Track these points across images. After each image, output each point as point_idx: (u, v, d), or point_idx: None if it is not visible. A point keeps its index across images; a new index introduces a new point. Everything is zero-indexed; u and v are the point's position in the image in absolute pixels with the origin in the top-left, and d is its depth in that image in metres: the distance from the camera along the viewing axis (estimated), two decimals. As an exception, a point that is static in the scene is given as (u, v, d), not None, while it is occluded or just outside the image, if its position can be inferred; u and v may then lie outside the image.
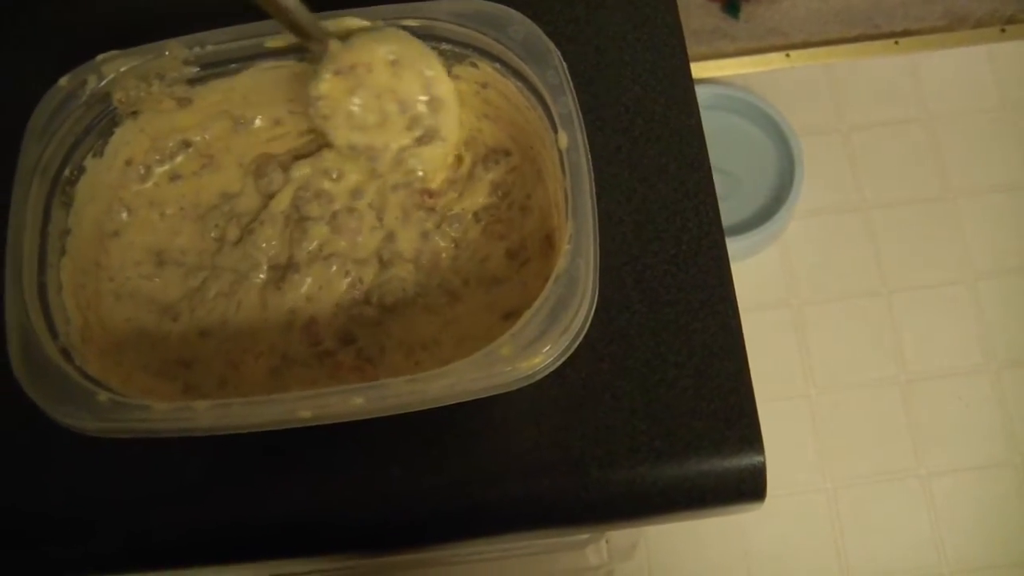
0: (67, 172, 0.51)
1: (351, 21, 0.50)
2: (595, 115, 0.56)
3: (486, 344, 0.44)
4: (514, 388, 0.44)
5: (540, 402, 0.52)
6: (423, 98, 0.52)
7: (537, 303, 0.44)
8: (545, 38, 0.49)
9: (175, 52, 0.51)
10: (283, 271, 0.53)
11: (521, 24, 0.50)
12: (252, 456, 0.51)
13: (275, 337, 0.52)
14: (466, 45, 0.51)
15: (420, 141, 0.53)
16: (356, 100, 0.52)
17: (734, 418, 0.51)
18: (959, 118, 1.53)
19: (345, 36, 0.51)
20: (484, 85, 0.53)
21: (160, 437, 0.45)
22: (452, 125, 0.53)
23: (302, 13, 0.48)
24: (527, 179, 0.54)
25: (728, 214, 1.40)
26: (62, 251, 0.50)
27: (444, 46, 0.51)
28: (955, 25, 1.58)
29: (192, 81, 0.53)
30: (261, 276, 0.54)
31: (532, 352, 0.43)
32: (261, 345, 0.52)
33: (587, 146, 0.47)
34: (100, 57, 0.51)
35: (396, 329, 0.52)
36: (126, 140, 0.54)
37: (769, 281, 1.43)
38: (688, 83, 0.57)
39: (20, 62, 0.59)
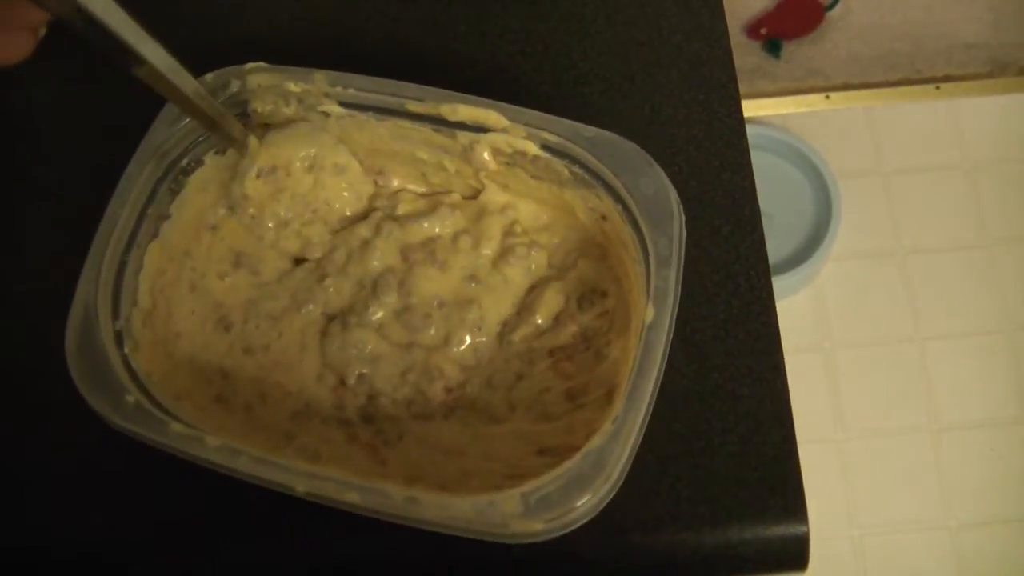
0: (185, 161, 0.52)
1: (491, 116, 0.50)
2: (647, 174, 0.56)
3: (510, 470, 0.43)
4: (508, 542, 0.42)
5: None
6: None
7: (557, 471, 0.41)
8: (672, 200, 0.46)
9: (319, 83, 0.51)
10: (331, 321, 0.52)
11: (654, 177, 0.47)
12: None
13: (305, 383, 0.51)
14: (595, 175, 0.49)
15: None
16: (282, 206, 0.54)
17: (779, 487, 0.51)
18: (999, 166, 1.51)
19: (263, 133, 0.53)
20: (604, 217, 0.51)
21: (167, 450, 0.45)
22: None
23: (208, 105, 0.48)
24: (614, 326, 0.51)
25: (763, 255, 1.39)
26: (154, 234, 0.51)
27: (575, 167, 0.49)
28: (997, 72, 1.56)
29: (326, 114, 0.53)
30: (312, 317, 0.53)
31: (535, 518, 0.41)
32: (291, 385, 0.51)
33: (672, 327, 0.44)
34: (249, 65, 0.52)
35: (419, 427, 0.50)
36: (251, 147, 0.53)
37: (802, 323, 1.41)
38: (743, 145, 0.57)
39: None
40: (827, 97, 1.54)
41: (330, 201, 0.55)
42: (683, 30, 0.59)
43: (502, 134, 0.50)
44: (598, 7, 0.60)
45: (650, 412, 0.43)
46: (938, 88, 1.55)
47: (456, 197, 0.55)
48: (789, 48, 1.56)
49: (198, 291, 0.53)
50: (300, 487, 0.43)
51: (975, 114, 1.53)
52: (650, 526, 0.50)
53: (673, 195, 0.47)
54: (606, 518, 0.49)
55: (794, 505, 0.50)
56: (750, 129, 1.42)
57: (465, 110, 0.50)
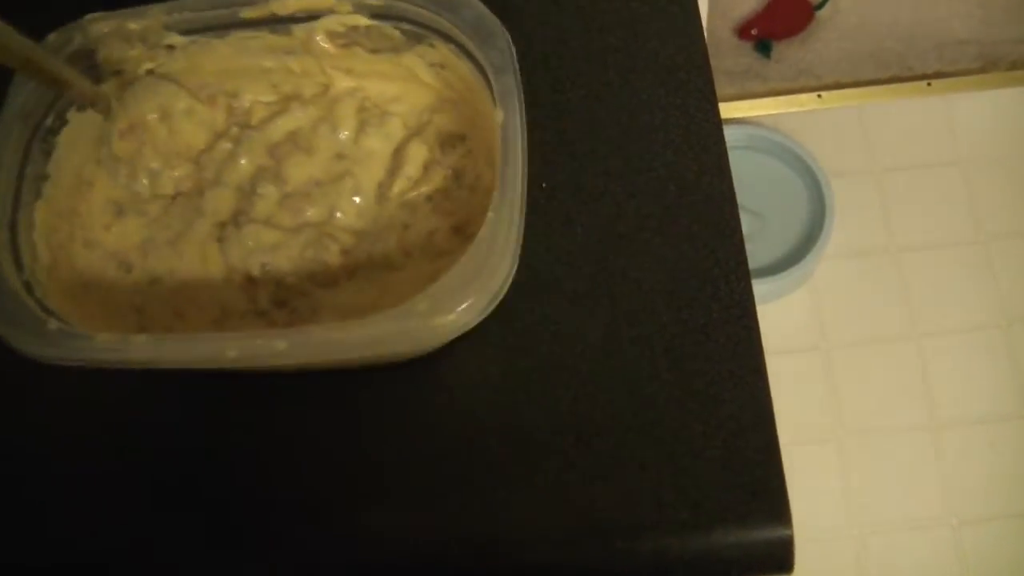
0: (49, 121, 0.53)
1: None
2: (626, 180, 0.56)
3: None
4: (433, 344, 0.45)
5: (566, 471, 0.51)
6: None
7: (458, 265, 0.44)
8: (493, 19, 0.49)
9: (156, 16, 0.53)
10: (225, 227, 0.54)
11: (472, 6, 0.50)
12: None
13: (216, 291, 0.53)
14: (425, 26, 0.52)
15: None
16: (148, 159, 0.55)
17: (761, 491, 0.50)
18: (992, 161, 1.50)
19: (120, 91, 0.55)
20: (442, 66, 0.53)
21: (100, 366, 0.46)
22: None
23: (53, 66, 0.50)
24: (478, 161, 0.54)
25: (757, 256, 1.39)
26: (38, 194, 0.52)
27: (404, 26, 0.52)
28: (989, 67, 1.56)
29: (171, 47, 0.54)
30: (205, 230, 0.54)
31: (447, 309, 0.43)
32: (203, 297, 0.53)
33: (523, 124, 0.47)
34: (87, 17, 0.53)
35: (329, 296, 0.52)
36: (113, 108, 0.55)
37: (797, 324, 1.41)
38: (722, 148, 0.57)
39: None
40: (819, 96, 1.54)
41: (190, 142, 0.56)
42: (658, 35, 0.59)
43: (332, 16, 0.52)
44: (573, 13, 0.60)
45: (524, 201, 0.45)
46: (929, 85, 1.54)
47: (306, 95, 0.57)
48: (779, 48, 1.56)
49: (91, 245, 0.55)
50: (231, 352, 0.44)
51: (967, 110, 1.53)
52: (633, 532, 0.50)
53: (491, 15, 0.50)
54: (589, 523, 0.50)
55: (778, 508, 0.50)
56: (743, 130, 1.42)
57: (292, 0, 0.52)
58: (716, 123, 0.57)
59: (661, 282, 0.54)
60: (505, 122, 0.47)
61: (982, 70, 1.56)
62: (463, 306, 0.43)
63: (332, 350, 0.45)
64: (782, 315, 1.40)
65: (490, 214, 0.45)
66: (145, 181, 0.55)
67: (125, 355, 0.45)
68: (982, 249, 1.45)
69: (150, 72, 0.55)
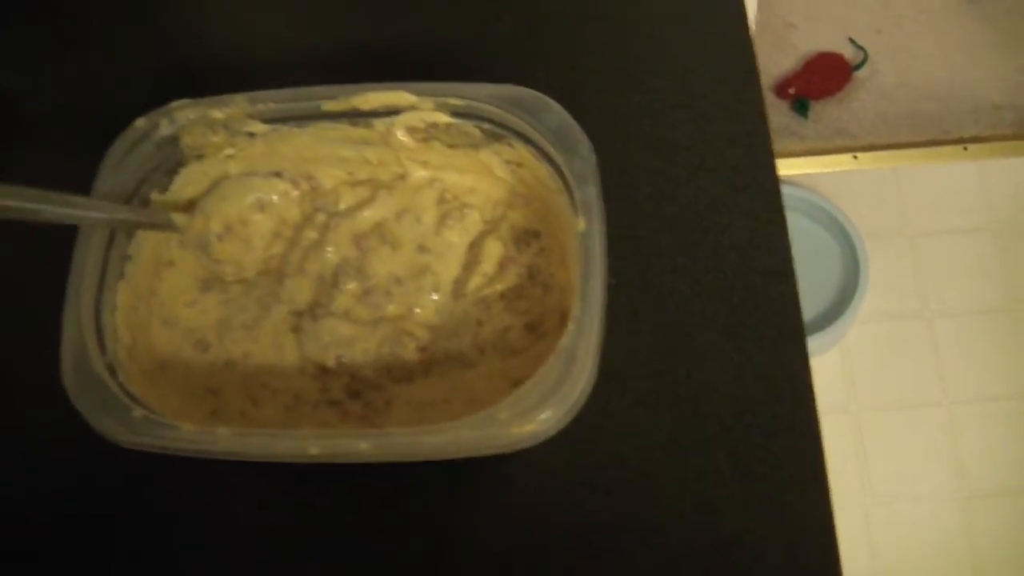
0: (133, 203, 0.54)
1: (399, 96, 0.53)
2: (693, 280, 0.56)
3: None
4: (510, 450, 0.45)
5: (627, 569, 0.52)
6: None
7: (538, 374, 0.45)
8: (576, 128, 0.50)
9: (240, 105, 0.54)
10: (302, 317, 0.54)
11: (556, 113, 0.51)
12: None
13: (290, 378, 0.54)
14: (505, 127, 0.52)
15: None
16: (252, 249, 0.57)
17: (824, 599, 0.51)
18: (1026, 228, 1.52)
19: (185, 207, 0.56)
20: (519, 165, 0.54)
21: (184, 455, 0.46)
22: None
23: (127, 217, 0.52)
24: (552, 260, 0.55)
25: (790, 316, 1.39)
26: (121, 275, 0.53)
27: (485, 125, 0.53)
28: (1024, 133, 1.57)
29: (251, 134, 0.56)
30: (281, 317, 0.55)
31: (528, 419, 0.44)
32: (277, 383, 0.53)
33: (603, 233, 0.47)
34: (174, 104, 0.54)
35: (403, 390, 0.53)
36: (189, 180, 0.57)
37: (828, 386, 1.41)
38: (787, 252, 0.57)
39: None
40: (855, 157, 1.54)
41: (277, 229, 0.58)
42: (726, 135, 0.60)
43: (413, 112, 0.53)
44: (641, 109, 0.61)
45: (604, 309, 0.46)
46: (965, 149, 1.55)
47: (387, 182, 0.58)
48: (817, 108, 1.57)
49: (168, 324, 0.55)
50: (314, 449, 0.45)
51: (1002, 175, 1.54)
52: (694, 637, 0.51)
53: (575, 124, 0.50)
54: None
55: (839, 619, 0.51)
56: (778, 190, 1.42)
57: (374, 96, 0.53)
58: (782, 226, 0.57)
59: (725, 384, 0.55)
60: (587, 232, 0.47)
61: (1017, 136, 1.56)
62: (543, 416, 0.44)
63: (413, 453, 0.46)
64: (813, 376, 1.40)
65: (571, 326, 0.45)
66: (230, 268, 0.56)
67: (211, 447, 0.46)
68: (1013, 316, 1.45)
69: (230, 157, 0.56)
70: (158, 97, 0.55)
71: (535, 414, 0.44)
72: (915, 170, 1.54)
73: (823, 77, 1.58)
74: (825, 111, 1.56)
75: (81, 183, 0.52)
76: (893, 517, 1.34)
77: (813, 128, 1.56)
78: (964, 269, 1.48)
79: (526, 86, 0.52)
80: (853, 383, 1.41)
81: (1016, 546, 1.32)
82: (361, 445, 0.45)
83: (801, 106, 1.56)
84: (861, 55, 1.60)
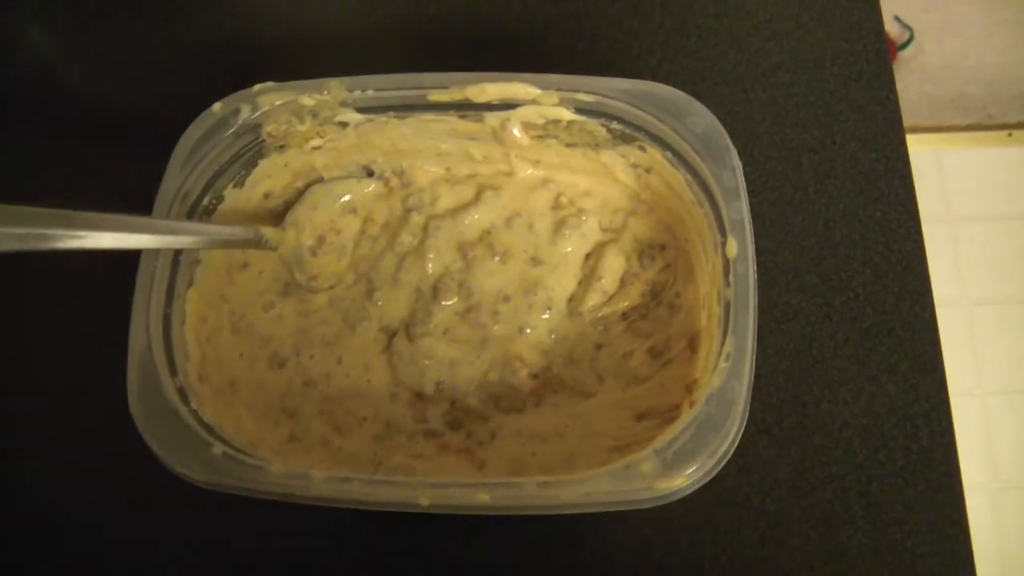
0: (206, 200, 0.48)
1: (521, 88, 0.46)
2: (822, 299, 0.51)
3: (614, 442, 0.41)
4: (648, 506, 0.39)
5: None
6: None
7: (686, 420, 0.39)
8: (725, 135, 0.44)
9: (334, 92, 0.48)
10: (395, 336, 0.49)
11: (702, 116, 0.44)
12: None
13: (379, 404, 0.48)
14: (637, 127, 0.46)
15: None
16: (344, 256, 0.51)
17: (961, 661, 0.46)
18: (1069, 217, 1.46)
19: (274, 219, 0.50)
20: (648, 170, 0.48)
21: (268, 499, 0.41)
22: None
23: (228, 240, 0.47)
24: (679, 276, 0.49)
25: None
26: (190, 282, 0.47)
27: (614, 125, 0.47)
28: (1070, 121, 1.52)
29: (343, 124, 0.49)
30: (371, 336, 0.49)
31: (674, 473, 0.38)
32: (365, 409, 0.48)
33: (755, 257, 0.42)
34: (257, 87, 0.48)
35: (511, 420, 0.47)
36: (268, 173, 0.51)
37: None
38: (924, 271, 0.52)
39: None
40: (896, 139, 1.48)
41: (367, 230, 0.52)
42: (858, 137, 0.54)
43: (533, 106, 0.47)
44: (766, 104, 0.55)
45: (756, 345, 0.40)
46: (1010, 135, 1.49)
47: (492, 181, 0.51)
48: (860, 86, 1.51)
49: (241, 332, 0.50)
50: (424, 500, 0.39)
51: (1046, 163, 1.48)
52: None
53: (723, 131, 0.44)
54: None
55: None
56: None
57: (493, 88, 0.47)
58: (919, 242, 0.52)
59: (856, 416, 0.49)
60: (739, 255, 0.41)
61: (1064, 123, 1.51)
62: (691, 470, 0.38)
63: (541, 508, 0.40)
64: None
65: (723, 364, 0.40)
66: (324, 282, 0.50)
67: (303, 492, 0.40)
68: (1052, 306, 1.40)
69: (316, 149, 0.50)
70: (226, 73, 0.48)
71: (682, 467, 0.38)
72: (958, 154, 1.49)
73: (867, 55, 1.52)
74: (868, 90, 1.50)
75: (148, 177, 0.46)
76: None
77: (855, 107, 1.50)
78: (1004, 257, 1.43)
79: (638, 78, 0.46)
80: (888, 372, 1.37)
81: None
82: (481, 496, 0.39)
83: (844, 84, 1.50)
84: (907, 34, 1.53)
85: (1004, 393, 1.36)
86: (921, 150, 1.48)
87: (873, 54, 0.55)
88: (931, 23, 1.53)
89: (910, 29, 1.53)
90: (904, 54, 1.53)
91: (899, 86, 1.48)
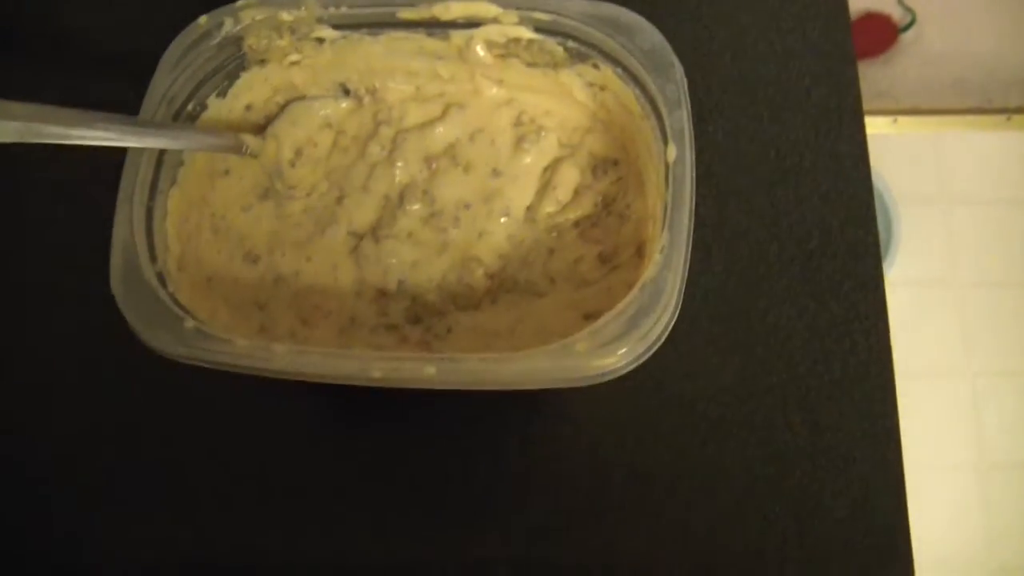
0: (190, 107, 0.52)
1: (482, 7, 0.50)
2: (770, 221, 0.54)
3: (561, 339, 0.43)
4: (583, 384, 0.43)
5: (689, 514, 0.51)
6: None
7: (620, 306, 0.42)
8: (670, 51, 0.47)
9: (311, 8, 0.51)
10: (361, 239, 0.52)
11: (650, 34, 0.48)
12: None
13: (344, 300, 0.52)
14: (591, 45, 0.50)
15: None
16: (320, 169, 0.55)
17: (888, 559, 0.49)
18: (1065, 203, 1.49)
19: (255, 131, 0.54)
20: (602, 88, 0.51)
21: (236, 372, 0.44)
22: None
23: (212, 144, 0.51)
24: (630, 190, 0.52)
25: (820, 277, 1.37)
26: (173, 181, 0.51)
27: (569, 43, 0.50)
28: (1069, 107, 1.54)
29: (319, 40, 0.53)
30: (339, 238, 0.53)
31: (607, 352, 0.42)
32: (331, 304, 0.51)
33: (694, 162, 0.45)
34: (240, 2, 0.52)
35: (466, 317, 0.50)
36: (249, 86, 0.54)
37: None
38: (869, 198, 0.55)
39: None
40: (894, 121, 1.51)
41: (343, 144, 0.56)
42: (812, 73, 0.57)
43: (495, 25, 0.51)
44: (723, 40, 0.59)
45: (691, 242, 0.43)
46: (1009, 119, 1.51)
47: (458, 100, 0.55)
48: (860, 68, 1.53)
49: (220, 232, 0.53)
50: (376, 372, 0.43)
51: (1045, 148, 1.51)
52: (753, 585, 0.49)
53: (668, 47, 0.47)
54: (706, 569, 0.49)
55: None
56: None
57: (457, 6, 0.50)
58: (866, 173, 0.55)
59: (799, 331, 0.52)
60: (677, 160, 0.45)
61: (1061, 109, 1.53)
62: (623, 351, 0.42)
63: (482, 381, 0.43)
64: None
65: (657, 256, 0.43)
66: (300, 191, 0.54)
67: (266, 364, 0.44)
68: (1046, 291, 1.43)
69: (294, 64, 0.54)
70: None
71: (615, 347, 0.42)
72: (955, 137, 1.51)
73: (868, 37, 1.54)
74: (868, 72, 1.53)
75: (137, 88, 0.50)
76: (912, 487, 1.32)
77: (855, 89, 1.52)
78: (998, 240, 1.46)
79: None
80: (878, 349, 1.39)
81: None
82: (427, 369, 0.43)
83: (844, 65, 1.52)
84: (909, 17, 1.56)
85: (994, 374, 1.39)
86: (919, 132, 1.51)
87: (831, -1, 0.59)
88: (933, 7, 1.56)
89: (912, 12, 1.56)
90: (905, 37, 1.55)
91: (899, 68, 1.52)
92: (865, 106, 1.54)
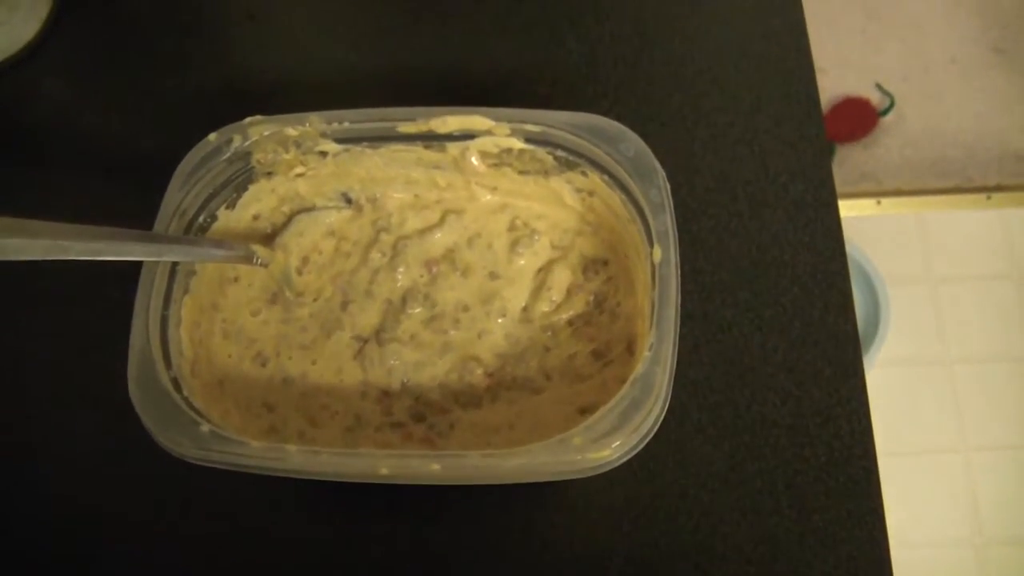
0: (201, 218, 0.55)
1: (477, 120, 0.54)
2: (754, 314, 0.57)
3: (559, 434, 0.46)
4: (581, 476, 0.45)
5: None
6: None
7: (613, 401, 0.45)
8: (652, 157, 0.51)
9: (315, 124, 0.55)
10: (365, 343, 0.55)
11: (632, 141, 0.51)
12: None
13: (349, 400, 0.54)
14: (579, 155, 0.53)
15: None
16: (326, 275, 0.58)
17: (878, 637, 0.52)
18: (1047, 278, 1.53)
19: (263, 239, 0.58)
20: (591, 193, 0.55)
21: (250, 472, 0.47)
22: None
23: (229, 252, 0.54)
24: (620, 288, 0.55)
25: (811, 357, 1.40)
26: (186, 289, 0.54)
27: (559, 152, 0.54)
28: (1048, 184, 1.59)
29: (323, 153, 0.56)
30: (344, 342, 0.56)
31: (602, 445, 0.44)
32: (337, 404, 0.54)
33: (678, 262, 0.48)
34: (248, 120, 0.55)
35: (467, 414, 0.53)
36: (257, 196, 0.58)
37: (847, 429, 1.42)
38: (847, 288, 0.58)
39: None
40: (878, 202, 1.56)
41: (346, 250, 0.59)
42: (788, 171, 0.61)
43: (488, 136, 0.54)
44: (704, 143, 0.63)
45: (678, 337, 0.46)
46: (989, 198, 1.57)
47: (455, 207, 0.59)
48: (842, 152, 1.59)
49: (230, 336, 0.56)
50: (383, 469, 0.46)
51: (1025, 225, 1.56)
52: (750, 669, 0.51)
53: (651, 154, 0.51)
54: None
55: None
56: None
57: (453, 120, 0.54)
58: (842, 263, 0.59)
59: (784, 418, 0.55)
60: (663, 261, 0.48)
61: (1039, 186, 1.58)
62: (616, 443, 0.44)
63: (485, 476, 0.46)
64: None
65: (647, 353, 0.46)
66: (309, 296, 0.58)
67: (279, 464, 0.46)
68: (1035, 365, 1.46)
69: (299, 175, 0.57)
70: (225, 117, 0.56)
71: (609, 440, 0.44)
72: (938, 217, 1.56)
73: (849, 122, 1.60)
74: (851, 155, 1.58)
75: (148, 203, 0.54)
76: (909, 566, 1.34)
77: (838, 172, 1.58)
78: (985, 316, 1.49)
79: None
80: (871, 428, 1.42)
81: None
82: (433, 466, 0.45)
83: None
84: (888, 101, 1.62)
85: (988, 449, 1.41)
86: (903, 213, 1.55)
87: (804, 96, 0.63)
88: (911, 90, 1.62)
89: (890, 96, 1.62)
90: (886, 120, 1.61)
91: (880, 151, 1.57)
92: (849, 189, 1.60)
